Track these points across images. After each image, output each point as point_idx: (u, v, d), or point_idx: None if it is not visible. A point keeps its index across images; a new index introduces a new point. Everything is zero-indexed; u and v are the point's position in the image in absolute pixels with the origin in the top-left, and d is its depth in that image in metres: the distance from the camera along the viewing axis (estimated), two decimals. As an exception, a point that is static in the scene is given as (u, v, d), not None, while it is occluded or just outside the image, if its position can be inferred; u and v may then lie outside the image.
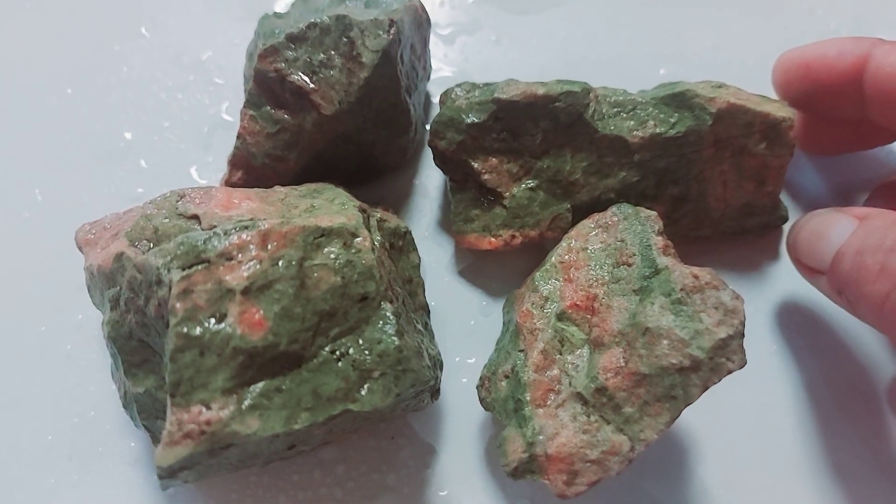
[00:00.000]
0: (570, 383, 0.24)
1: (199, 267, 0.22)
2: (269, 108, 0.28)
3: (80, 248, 0.26)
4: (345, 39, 0.28)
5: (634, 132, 0.29)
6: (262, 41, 0.28)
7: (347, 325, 0.23)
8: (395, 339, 0.22)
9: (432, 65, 0.36)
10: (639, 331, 0.23)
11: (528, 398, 0.24)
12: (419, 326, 0.26)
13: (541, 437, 0.24)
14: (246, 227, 0.22)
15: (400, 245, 0.28)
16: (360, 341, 0.23)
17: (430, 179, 0.34)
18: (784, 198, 0.33)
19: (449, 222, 0.32)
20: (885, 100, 0.28)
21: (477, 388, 0.27)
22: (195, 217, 0.24)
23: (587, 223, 0.27)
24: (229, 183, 0.30)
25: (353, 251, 0.23)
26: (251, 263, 0.22)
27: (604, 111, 0.29)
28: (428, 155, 0.34)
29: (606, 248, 0.26)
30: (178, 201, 0.25)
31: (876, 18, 0.38)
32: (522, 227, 0.30)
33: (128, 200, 0.34)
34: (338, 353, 0.22)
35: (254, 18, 0.32)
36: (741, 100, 0.29)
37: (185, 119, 0.36)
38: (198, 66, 0.37)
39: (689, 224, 0.31)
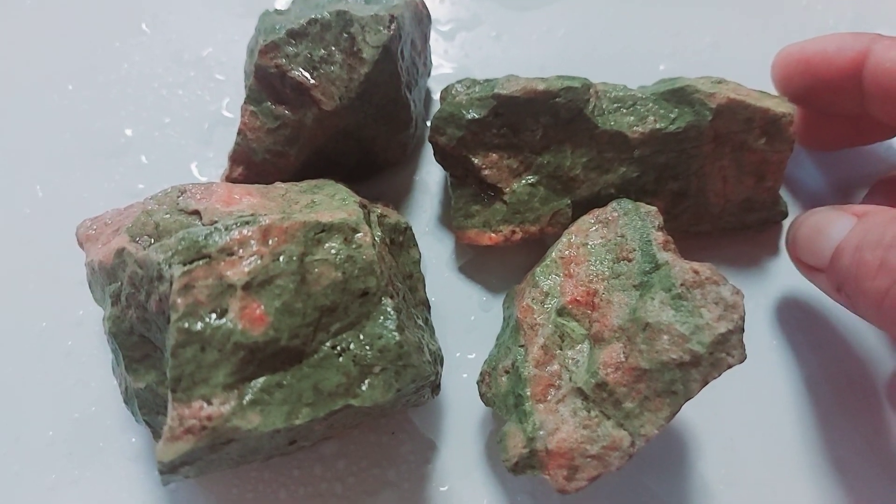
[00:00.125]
0: (570, 378, 0.24)
1: (200, 262, 0.22)
2: (269, 103, 0.28)
3: (81, 245, 0.26)
4: (345, 35, 0.28)
5: (634, 128, 0.29)
6: (263, 37, 0.28)
7: (348, 321, 0.23)
8: (395, 334, 0.22)
9: (433, 61, 0.36)
10: (639, 326, 0.23)
11: (528, 393, 0.25)
12: (420, 322, 0.26)
13: (541, 433, 0.24)
14: (247, 223, 0.22)
15: (400, 241, 0.28)
16: (361, 337, 0.23)
17: (431, 175, 0.34)
18: (784, 193, 0.33)
19: (449, 218, 0.32)
20: (884, 95, 0.28)
21: (477, 383, 0.27)
22: (196, 213, 0.24)
23: (587, 219, 0.27)
24: (230, 179, 0.30)
25: (354, 247, 0.23)
26: (252, 259, 0.22)
27: (604, 107, 0.29)
28: (428, 151, 0.34)
29: (607, 244, 0.26)
30: (178, 197, 0.25)
31: (875, 14, 0.38)
32: (523, 223, 0.30)
33: (129, 196, 0.34)
34: (338, 348, 0.22)
35: (254, 15, 0.32)
36: (741, 95, 0.29)
37: (186, 115, 0.36)
38: (198, 63, 0.37)
39: (689, 219, 0.31)
